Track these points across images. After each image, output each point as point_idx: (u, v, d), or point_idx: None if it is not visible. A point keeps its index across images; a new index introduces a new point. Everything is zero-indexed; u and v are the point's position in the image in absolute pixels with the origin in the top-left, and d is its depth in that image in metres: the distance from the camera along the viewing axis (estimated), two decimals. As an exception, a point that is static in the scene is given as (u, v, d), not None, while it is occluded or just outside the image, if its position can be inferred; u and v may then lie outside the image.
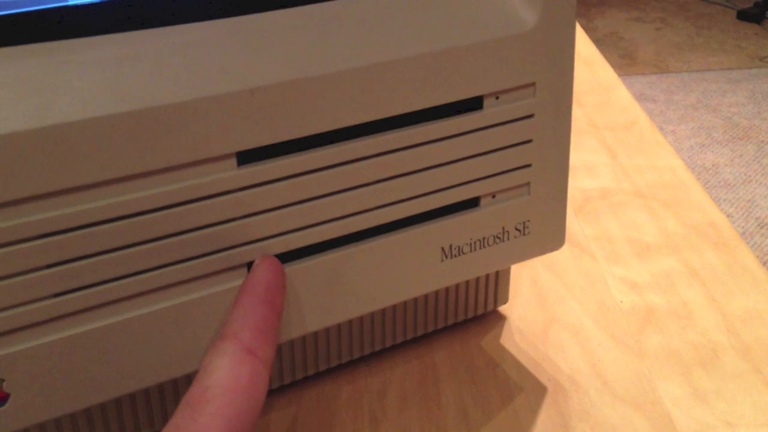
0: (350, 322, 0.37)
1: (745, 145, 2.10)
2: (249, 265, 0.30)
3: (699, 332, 0.41)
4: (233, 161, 0.28)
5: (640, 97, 2.36)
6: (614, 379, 0.38)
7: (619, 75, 0.72)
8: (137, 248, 0.28)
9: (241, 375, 0.25)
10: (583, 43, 0.79)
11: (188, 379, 0.34)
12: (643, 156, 0.58)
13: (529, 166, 0.34)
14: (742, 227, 1.76)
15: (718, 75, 2.53)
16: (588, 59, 0.76)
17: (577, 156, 0.58)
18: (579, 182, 0.55)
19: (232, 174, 0.28)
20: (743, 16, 2.97)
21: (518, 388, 0.38)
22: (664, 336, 0.41)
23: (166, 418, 0.34)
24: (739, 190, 1.90)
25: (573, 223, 0.50)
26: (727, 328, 0.41)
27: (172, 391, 0.34)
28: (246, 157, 0.29)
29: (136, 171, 0.27)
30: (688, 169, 0.56)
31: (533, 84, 0.33)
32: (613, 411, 0.36)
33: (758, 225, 1.77)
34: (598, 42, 2.77)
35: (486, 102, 0.32)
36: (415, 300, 0.39)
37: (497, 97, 0.32)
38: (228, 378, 0.25)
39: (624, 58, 2.66)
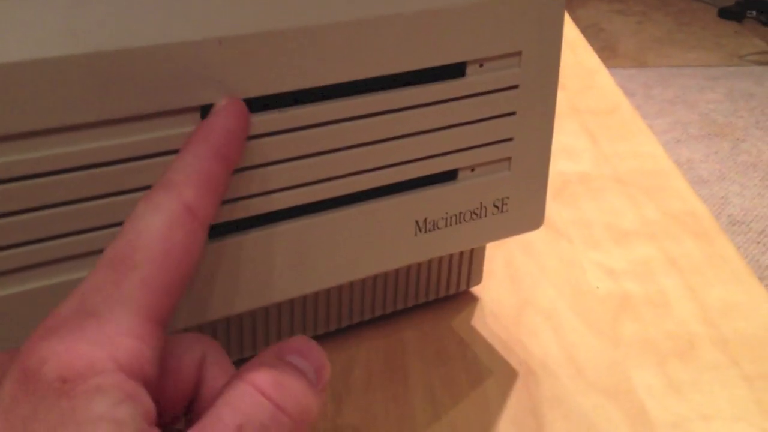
0: (316, 295, 0.36)
1: (721, 142, 2.11)
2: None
3: (676, 322, 0.40)
4: (197, 115, 0.26)
5: (618, 90, 2.36)
6: (587, 366, 0.37)
7: (601, 63, 0.71)
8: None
9: (176, 240, 0.22)
10: (567, 27, 0.77)
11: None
12: (625, 142, 0.57)
13: (511, 140, 0.33)
14: (714, 224, 1.76)
15: (696, 71, 2.53)
16: (572, 43, 0.74)
17: (557, 139, 0.57)
18: (558, 166, 0.54)
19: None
20: (724, 14, 2.97)
21: (488, 372, 0.37)
22: (640, 324, 0.40)
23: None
24: (712, 186, 1.91)
25: (551, 206, 0.49)
26: (705, 319, 0.40)
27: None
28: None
29: (87, 120, 0.25)
30: (669, 157, 0.55)
31: (519, 53, 0.31)
32: (585, 399, 0.35)
33: (730, 222, 1.78)
34: (579, 33, 2.76)
35: (469, 69, 0.31)
36: (385, 276, 0.37)
37: (481, 65, 0.31)
38: (161, 242, 0.22)
39: (604, 51, 2.66)
